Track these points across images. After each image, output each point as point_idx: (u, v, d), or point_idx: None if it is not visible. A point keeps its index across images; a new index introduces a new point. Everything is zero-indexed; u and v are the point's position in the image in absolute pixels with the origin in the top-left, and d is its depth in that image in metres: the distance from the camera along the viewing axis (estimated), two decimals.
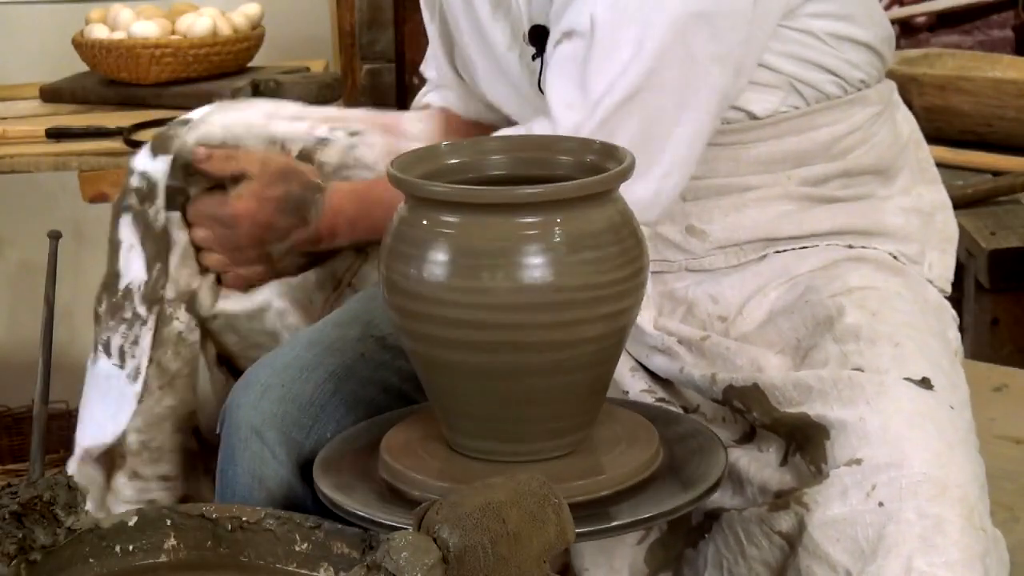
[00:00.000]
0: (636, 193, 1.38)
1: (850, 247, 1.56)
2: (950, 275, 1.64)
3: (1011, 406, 1.81)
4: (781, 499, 1.35)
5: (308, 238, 1.61)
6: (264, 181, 1.59)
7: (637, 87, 1.44)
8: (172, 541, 1.31)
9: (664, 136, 1.46)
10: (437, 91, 1.80)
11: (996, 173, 2.45)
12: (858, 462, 1.31)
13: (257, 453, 1.47)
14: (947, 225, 1.66)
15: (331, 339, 1.56)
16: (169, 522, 1.31)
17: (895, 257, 1.58)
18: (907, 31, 3.26)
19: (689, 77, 1.45)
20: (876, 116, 1.59)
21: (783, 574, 1.35)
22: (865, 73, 1.57)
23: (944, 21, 3.26)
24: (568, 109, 1.46)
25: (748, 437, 1.45)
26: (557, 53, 1.48)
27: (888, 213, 1.59)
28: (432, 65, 1.81)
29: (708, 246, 1.55)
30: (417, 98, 1.85)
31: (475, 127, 1.75)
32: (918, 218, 1.62)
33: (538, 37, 1.55)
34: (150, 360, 1.58)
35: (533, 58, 1.56)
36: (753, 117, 1.53)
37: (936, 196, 1.67)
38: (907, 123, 1.67)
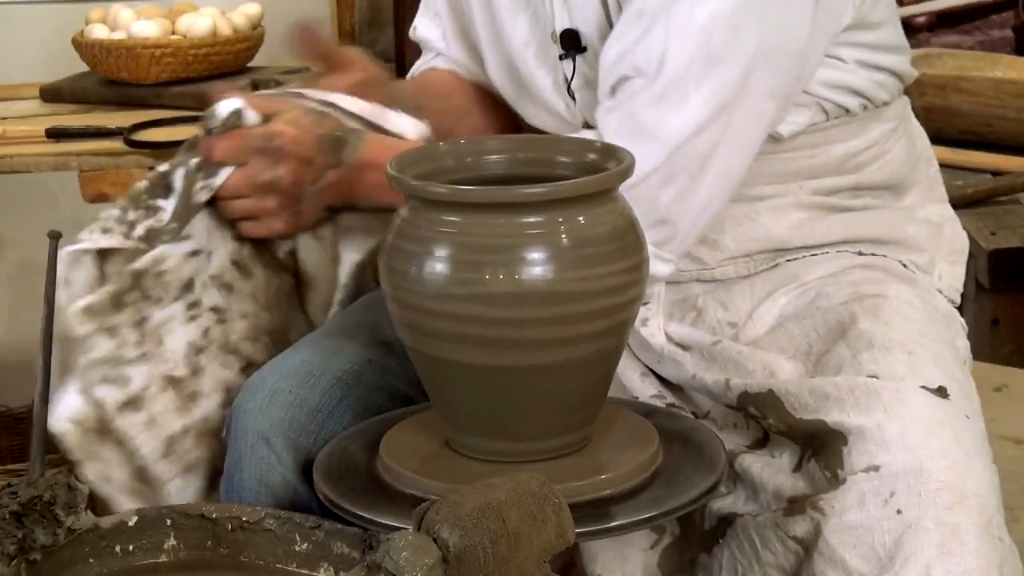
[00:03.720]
0: (680, 225, 1.44)
1: (860, 254, 1.56)
2: (959, 286, 1.64)
3: (1011, 406, 1.81)
4: (796, 504, 1.35)
5: (336, 183, 1.52)
6: (302, 119, 1.51)
7: (708, 127, 1.43)
8: (172, 541, 1.31)
9: (711, 168, 1.45)
10: (440, 58, 1.77)
11: (996, 173, 2.45)
12: (876, 469, 1.31)
13: (264, 459, 1.47)
14: (956, 236, 1.66)
15: (338, 344, 1.56)
16: (169, 522, 1.31)
17: (905, 266, 1.58)
18: (907, 31, 3.26)
19: (747, 113, 1.44)
20: (891, 132, 1.59)
21: None
22: (888, 94, 1.58)
23: (944, 21, 3.26)
24: (636, 154, 1.42)
25: (761, 443, 1.45)
26: (625, 90, 1.45)
27: (899, 223, 1.59)
28: (436, 33, 1.77)
29: (720, 256, 1.55)
30: (417, 65, 1.81)
31: (478, 90, 1.74)
32: (927, 229, 1.62)
33: (570, 40, 1.55)
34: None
35: (561, 58, 1.56)
36: (777, 137, 1.52)
37: (944, 211, 1.67)
38: (920, 139, 1.68)
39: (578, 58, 1.55)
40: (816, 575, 1.31)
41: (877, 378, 1.38)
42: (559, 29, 1.56)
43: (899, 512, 1.29)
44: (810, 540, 1.32)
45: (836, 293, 1.51)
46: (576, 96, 1.57)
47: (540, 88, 1.61)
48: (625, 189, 1.40)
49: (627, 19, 1.45)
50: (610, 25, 1.52)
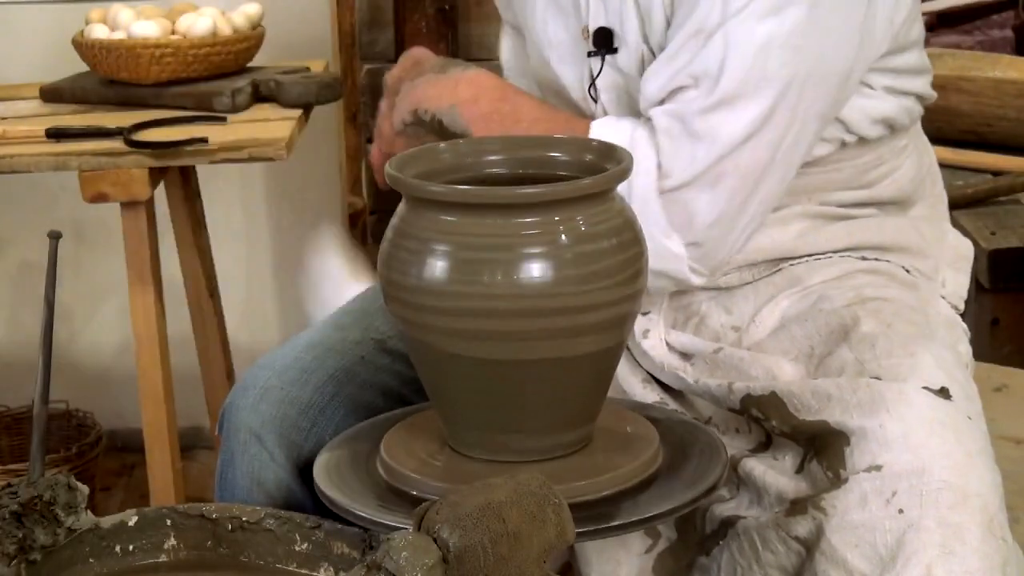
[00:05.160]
0: (725, 244, 1.46)
1: (863, 259, 1.56)
2: (963, 293, 1.65)
3: (1011, 406, 1.81)
4: (798, 504, 1.35)
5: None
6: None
7: (756, 140, 1.44)
8: (172, 541, 1.31)
9: (760, 189, 1.47)
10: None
11: (996, 173, 2.45)
12: (878, 468, 1.31)
13: (256, 456, 1.47)
14: (960, 244, 1.67)
15: (331, 341, 1.56)
16: (169, 522, 1.31)
17: (908, 271, 1.58)
18: None
19: (797, 134, 1.46)
20: (902, 148, 1.60)
21: None
22: (910, 120, 1.59)
23: (944, 21, 3.26)
24: (681, 156, 1.44)
25: (764, 446, 1.45)
26: (679, 98, 1.45)
27: (903, 230, 1.60)
28: (505, 53, 1.80)
29: (725, 267, 1.55)
30: None
31: None
32: (931, 236, 1.62)
33: (603, 39, 1.55)
34: None
35: (590, 55, 1.56)
36: None
37: (946, 225, 1.68)
38: (927, 154, 1.68)
39: (608, 58, 1.55)
40: (818, 574, 1.31)
41: (880, 379, 1.38)
42: (593, 26, 1.55)
43: (901, 512, 1.29)
44: (812, 540, 1.32)
45: (838, 296, 1.51)
46: (599, 95, 1.57)
47: (566, 84, 1.60)
48: (663, 191, 1.42)
49: (683, 38, 1.45)
50: (643, 30, 1.52)
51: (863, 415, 1.35)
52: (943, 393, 1.37)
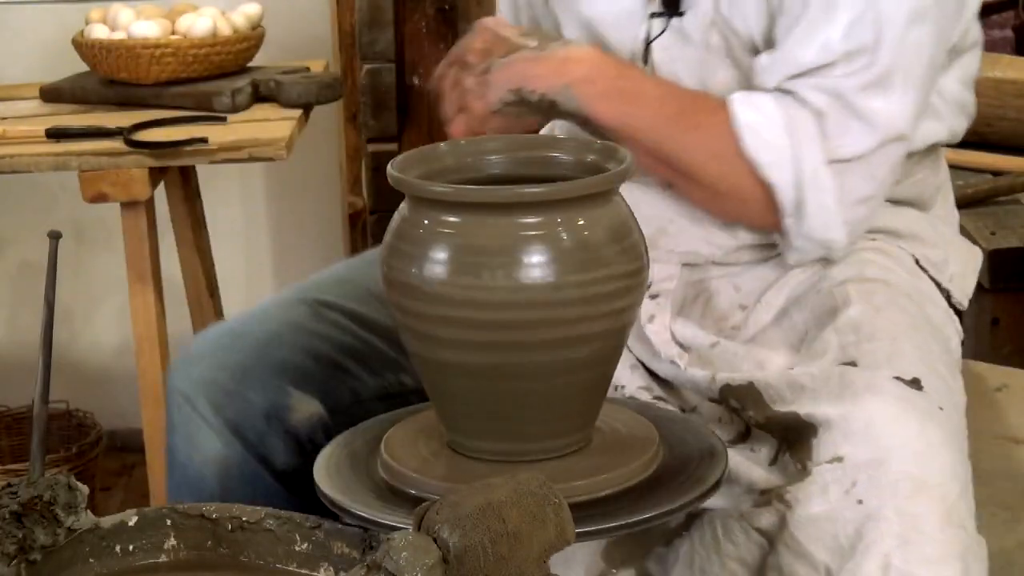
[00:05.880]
0: (869, 219, 1.49)
1: (873, 239, 1.57)
2: (969, 292, 1.65)
3: (1011, 406, 1.81)
4: (764, 496, 1.35)
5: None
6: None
7: (910, 124, 1.48)
8: (172, 541, 1.31)
9: (898, 166, 1.50)
10: None
11: (996, 173, 2.45)
12: (840, 459, 1.32)
13: (190, 419, 1.55)
14: (971, 249, 1.69)
15: (267, 311, 1.63)
16: (169, 522, 1.31)
17: (916, 261, 1.58)
18: None
19: (922, 107, 1.49)
20: (922, 155, 1.61)
21: (760, 572, 1.34)
22: (952, 140, 1.62)
23: None
24: (849, 133, 1.45)
25: (743, 437, 1.45)
26: (830, 73, 1.45)
27: (917, 220, 1.61)
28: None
29: (735, 243, 1.55)
30: None
31: None
32: (944, 229, 1.63)
33: (671, 1, 1.54)
34: None
35: (652, 16, 1.55)
36: None
37: (956, 233, 1.70)
38: (943, 167, 1.69)
39: (673, 20, 1.54)
40: (781, 567, 1.31)
41: (855, 364, 1.38)
42: None
43: (860, 502, 1.29)
44: (774, 531, 1.33)
45: (839, 272, 1.51)
46: (654, 55, 1.56)
47: (613, 46, 1.58)
48: (832, 160, 1.44)
49: (817, 11, 1.45)
50: None
51: (831, 405, 1.35)
52: (914, 384, 1.37)
